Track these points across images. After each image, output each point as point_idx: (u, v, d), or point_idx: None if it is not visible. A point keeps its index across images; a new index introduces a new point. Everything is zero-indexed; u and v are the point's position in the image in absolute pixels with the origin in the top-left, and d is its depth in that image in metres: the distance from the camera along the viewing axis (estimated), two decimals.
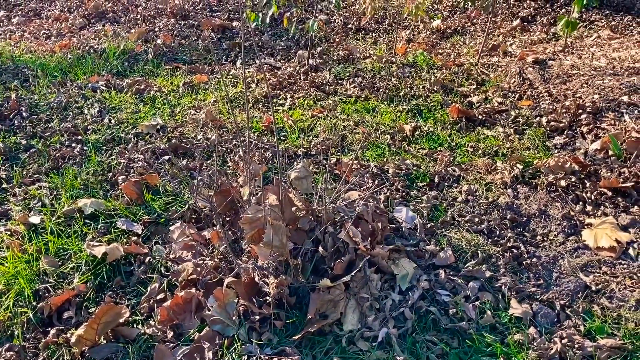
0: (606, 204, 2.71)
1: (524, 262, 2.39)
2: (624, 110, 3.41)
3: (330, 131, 3.43)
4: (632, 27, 5.37)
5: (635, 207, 2.67)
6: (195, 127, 3.51)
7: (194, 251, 2.43)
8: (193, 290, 2.22)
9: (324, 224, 2.27)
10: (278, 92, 4.14)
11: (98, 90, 4.09)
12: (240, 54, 4.98)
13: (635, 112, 3.37)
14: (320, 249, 2.23)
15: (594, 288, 2.24)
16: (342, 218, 2.44)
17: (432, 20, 5.75)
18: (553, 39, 5.09)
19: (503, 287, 2.25)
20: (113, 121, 3.63)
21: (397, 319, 2.12)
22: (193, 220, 2.64)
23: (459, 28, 5.58)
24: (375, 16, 5.80)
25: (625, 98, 3.51)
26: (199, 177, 2.75)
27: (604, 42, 4.83)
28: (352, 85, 4.19)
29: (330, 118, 3.64)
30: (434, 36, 5.41)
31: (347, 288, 2.18)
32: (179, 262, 2.38)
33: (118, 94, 4.07)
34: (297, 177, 2.37)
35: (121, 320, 2.13)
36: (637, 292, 2.20)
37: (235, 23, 5.79)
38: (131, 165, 3.09)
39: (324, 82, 4.26)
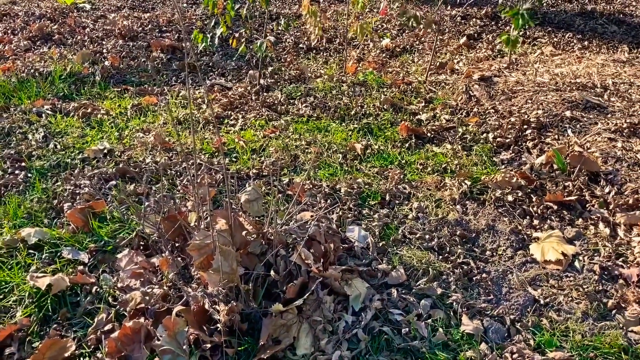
0: (552, 217, 2.77)
1: (474, 278, 2.42)
2: (567, 125, 3.51)
3: (283, 151, 3.42)
4: (573, 44, 5.56)
5: (580, 219, 2.75)
6: (144, 150, 3.45)
7: (142, 279, 2.37)
8: (142, 319, 2.16)
9: (275, 247, 2.25)
10: (229, 112, 4.11)
11: (43, 115, 3.99)
12: (191, 75, 4.94)
13: (578, 126, 3.48)
14: (272, 272, 2.21)
15: (542, 301, 2.29)
16: (294, 240, 2.43)
17: (381, 39, 5.83)
18: (498, 56, 5.23)
19: (454, 303, 2.27)
20: (59, 146, 3.53)
21: (350, 340, 2.11)
22: (141, 248, 2.58)
23: (407, 46, 5.67)
24: (325, 36, 5.84)
25: (568, 113, 3.62)
26: (147, 203, 2.70)
27: (547, 58, 4.98)
28: (304, 105, 4.20)
29: (283, 138, 3.63)
30: (384, 55, 5.49)
31: (300, 311, 2.16)
32: (127, 291, 2.32)
33: (64, 118, 3.97)
34: (247, 199, 2.35)
35: (66, 355, 2.06)
36: (582, 304, 2.25)
37: (187, 44, 5.74)
38: (77, 191, 3.01)
39: (276, 101, 4.26)
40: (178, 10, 2.18)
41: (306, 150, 3.46)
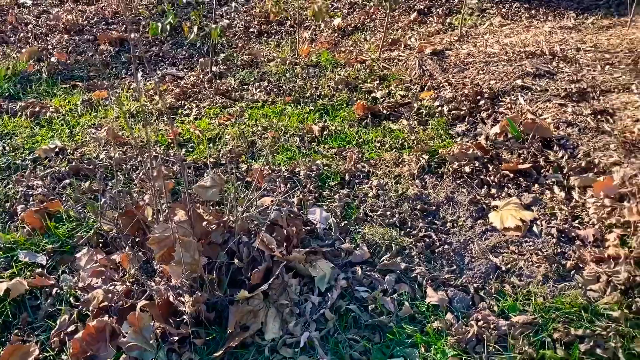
0: (509, 185, 2.82)
1: (437, 250, 2.45)
2: (519, 94, 3.56)
3: (239, 138, 3.39)
4: (520, 13, 5.63)
5: (536, 185, 2.80)
6: (97, 146, 3.37)
7: (104, 277, 2.32)
8: (106, 318, 2.12)
9: (237, 235, 2.24)
10: (183, 102, 4.05)
11: None
12: (141, 66, 4.83)
13: (529, 94, 3.54)
14: (235, 260, 2.19)
15: (504, 268, 2.33)
16: (256, 226, 2.41)
17: (332, 19, 5.80)
18: (449, 29, 5.26)
19: (418, 276, 2.30)
20: (7, 148, 3.42)
21: (318, 321, 2.11)
22: (101, 245, 2.53)
23: (359, 25, 5.66)
24: (276, 19, 5.78)
25: (519, 82, 3.68)
26: (103, 200, 2.64)
27: (496, 28, 5.04)
28: (258, 90, 4.16)
29: (238, 125, 3.59)
30: (336, 35, 5.46)
31: (266, 296, 2.16)
32: (88, 290, 2.27)
33: (11, 118, 3.85)
34: (200, 185, 2.32)
35: (31, 359, 2.01)
36: (542, 268, 2.30)
37: (133, 35, 5.61)
38: (30, 193, 2.93)
39: (230, 88, 4.21)
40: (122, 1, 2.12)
41: (263, 136, 3.43)
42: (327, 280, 2.25)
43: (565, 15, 5.47)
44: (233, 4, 5.92)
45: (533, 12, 5.62)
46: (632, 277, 2.19)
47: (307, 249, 2.35)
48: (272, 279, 2.13)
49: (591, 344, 1.96)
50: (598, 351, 1.93)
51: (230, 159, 3.14)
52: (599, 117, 3.22)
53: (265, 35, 5.59)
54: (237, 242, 2.24)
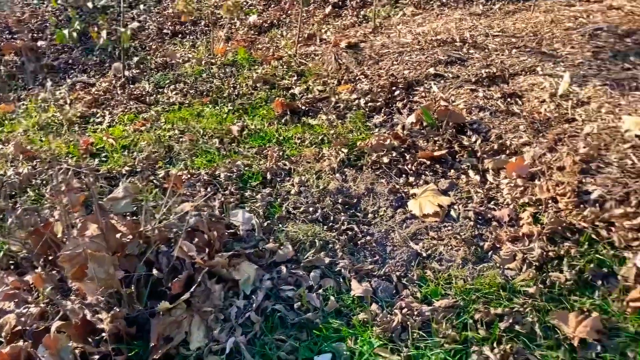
0: (426, 172, 2.88)
1: (360, 242, 2.47)
2: (432, 82, 3.64)
3: (155, 144, 3.30)
4: (432, 2, 5.74)
5: (452, 170, 2.87)
6: (4, 162, 3.20)
7: (16, 300, 2.21)
8: (20, 343, 2.02)
9: (154, 244, 2.17)
10: (95, 110, 3.90)
11: None
12: (50, 75, 4.63)
13: (442, 82, 3.62)
14: (154, 271, 2.13)
15: (424, 254, 2.38)
16: (176, 234, 2.36)
17: (248, 16, 5.74)
18: (364, 22, 5.31)
19: (343, 270, 2.31)
20: None
21: (244, 325, 2.09)
22: (11, 267, 2.41)
23: (275, 21, 5.63)
24: (190, 18, 5.67)
25: (431, 70, 3.76)
26: (10, 219, 2.51)
27: (409, 18, 5.13)
28: (174, 92, 4.07)
29: (154, 130, 3.50)
30: (252, 32, 5.41)
31: (189, 305, 2.11)
32: (0, 315, 2.15)
33: None
34: (116, 200, 2.24)
35: None
36: (461, 251, 2.36)
37: (40, 43, 5.37)
38: None
39: (144, 92, 4.09)
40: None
41: (180, 140, 3.36)
42: (251, 282, 2.23)
43: (474, 2, 5.62)
44: (141, 6, 5.76)
45: (444, 0, 5.76)
46: (545, 253, 2.28)
47: (230, 253, 2.31)
48: (194, 287, 2.09)
49: (510, 321, 2.02)
50: (517, 327, 2.00)
51: (146, 166, 3.05)
52: (508, 100, 3.33)
53: (179, 35, 5.47)
54: (156, 252, 2.18)
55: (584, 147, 2.78)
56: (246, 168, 3.00)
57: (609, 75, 3.39)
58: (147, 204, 2.36)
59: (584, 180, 2.60)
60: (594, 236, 2.34)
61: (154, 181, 2.91)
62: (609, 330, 1.98)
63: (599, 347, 1.92)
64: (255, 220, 2.58)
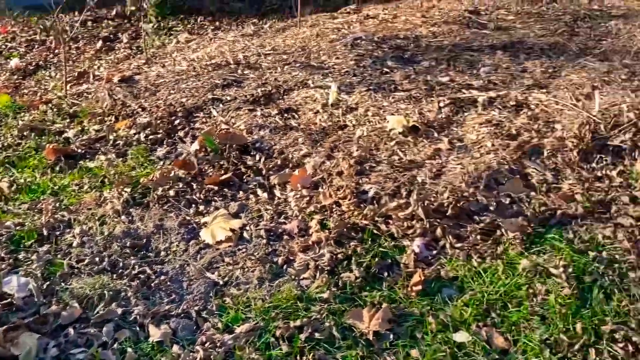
0: (215, 198, 2.86)
1: (153, 284, 2.36)
2: (211, 107, 3.64)
3: None
4: (206, 26, 5.81)
5: (241, 192, 2.88)
6: None
7: None
8: None
9: None
10: None
11: None
12: None
13: (221, 105, 3.64)
14: None
15: (221, 282, 2.34)
16: None
17: (9, 60, 5.28)
18: (138, 53, 5.18)
19: (138, 317, 2.18)
20: None
21: None
22: None
23: (41, 62, 5.25)
24: None
25: (209, 95, 3.76)
26: None
27: (184, 45, 5.11)
28: None
29: None
30: (16, 77, 4.98)
31: None
32: None
33: None
34: None
35: None
36: (257, 271, 2.36)
37: None
38: None
39: None
40: None
41: None
42: (34, 355, 2.01)
43: (246, 22, 5.78)
44: None
45: (217, 23, 5.84)
46: (334, 256, 2.38)
47: (5, 327, 2.07)
48: None
49: (309, 330, 2.06)
50: (317, 335, 2.05)
51: None
52: (285, 115, 3.45)
53: None
54: None
55: (357, 150, 2.98)
56: (18, 227, 2.72)
57: (371, 80, 3.67)
58: None
59: (360, 181, 2.77)
60: (375, 231, 2.50)
61: None
62: (398, 317, 2.12)
63: (391, 336, 2.04)
64: (32, 284, 2.34)
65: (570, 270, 2.20)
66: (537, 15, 4.70)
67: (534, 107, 3.22)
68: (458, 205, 2.55)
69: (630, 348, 1.89)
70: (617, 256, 2.26)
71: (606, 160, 2.81)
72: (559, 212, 2.50)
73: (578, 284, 2.15)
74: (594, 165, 2.79)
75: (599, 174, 2.73)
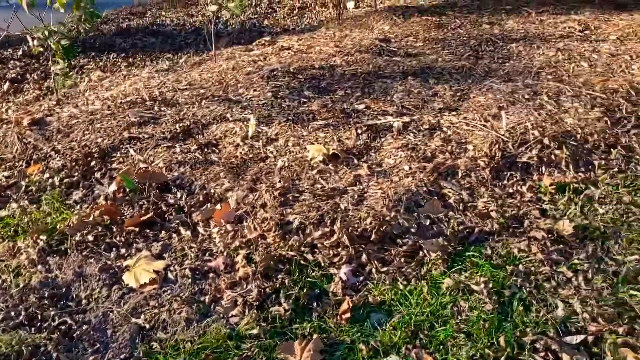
0: (137, 240, 2.79)
1: (75, 335, 2.27)
2: (128, 146, 3.56)
3: None
4: (119, 63, 5.70)
5: (163, 232, 2.82)
6: None
7: None
8: None
9: None
10: None
11: None
12: None
13: (138, 144, 3.56)
14: None
15: (148, 326, 2.28)
16: None
17: None
18: (49, 94, 5.01)
19: None
20: None
21: None
22: None
23: None
24: None
25: (126, 134, 3.68)
26: None
27: (96, 84, 4.99)
28: None
29: None
30: None
31: None
32: None
33: None
34: None
35: None
36: (184, 312, 2.32)
37: None
38: None
39: None
40: None
41: None
42: None
43: (161, 57, 5.73)
44: None
45: (131, 60, 5.75)
46: (262, 291, 2.37)
47: None
48: None
49: None
50: None
51: None
52: (205, 150, 3.42)
53: None
54: None
55: (280, 181, 2.99)
56: None
57: (289, 111, 3.71)
58: None
59: (284, 212, 2.78)
60: (302, 262, 2.51)
61: None
62: (330, 347, 2.13)
63: None
64: None
65: (490, 285, 2.29)
66: (443, 41, 4.91)
67: (446, 129, 3.36)
68: (381, 229, 2.60)
69: (551, 356, 1.98)
70: (532, 268, 2.37)
71: (516, 176, 2.96)
72: (476, 229, 2.61)
73: (498, 298, 2.24)
74: (505, 182, 2.93)
75: (510, 190, 2.88)
